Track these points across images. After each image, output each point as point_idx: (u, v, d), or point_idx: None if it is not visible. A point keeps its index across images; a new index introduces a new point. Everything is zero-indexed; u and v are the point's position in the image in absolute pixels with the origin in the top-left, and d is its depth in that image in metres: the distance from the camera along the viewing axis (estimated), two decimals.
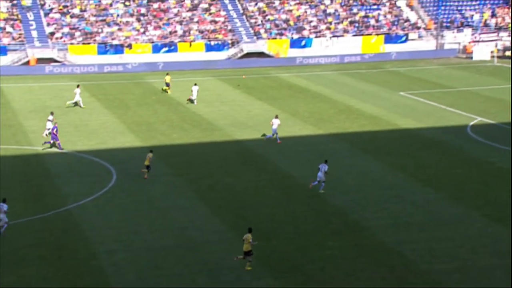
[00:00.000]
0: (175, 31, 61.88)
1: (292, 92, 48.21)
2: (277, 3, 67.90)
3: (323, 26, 65.98)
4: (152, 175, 28.93)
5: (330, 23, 66.55)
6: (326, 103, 44.29)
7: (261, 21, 65.45)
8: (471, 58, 62.83)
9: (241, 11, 66.48)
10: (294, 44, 63.66)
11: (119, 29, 60.59)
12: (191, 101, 43.32)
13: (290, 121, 39.22)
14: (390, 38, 65.47)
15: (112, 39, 59.53)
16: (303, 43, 63.93)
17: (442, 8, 69.67)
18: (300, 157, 31.97)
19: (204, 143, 34.56)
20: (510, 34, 65.66)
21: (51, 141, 32.59)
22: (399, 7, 70.47)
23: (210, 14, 64.73)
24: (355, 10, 68.71)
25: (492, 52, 62.71)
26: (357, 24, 66.69)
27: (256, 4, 67.42)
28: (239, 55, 61.62)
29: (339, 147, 33.88)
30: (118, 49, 58.67)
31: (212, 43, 61.37)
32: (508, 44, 64.96)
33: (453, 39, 65.75)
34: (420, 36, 67.06)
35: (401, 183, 28.17)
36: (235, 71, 55.72)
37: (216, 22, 63.88)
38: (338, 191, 27.33)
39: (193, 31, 62.30)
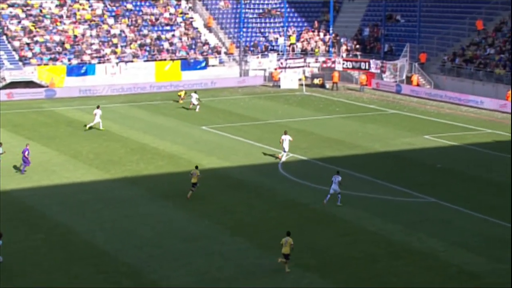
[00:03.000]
0: None
1: (72, 129, 47.20)
2: (47, 21, 66.39)
3: (107, 50, 65.88)
4: None
5: (116, 46, 66.69)
6: (116, 141, 44.00)
7: (28, 43, 63.39)
8: (279, 86, 67.05)
9: (0, 31, 63.84)
10: (73, 71, 62.61)
11: None
12: (194, 108, 54.02)
13: (70, 164, 38.33)
14: (187, 64, 67.43)
15: None
16: (83, 70, 63.13)
17: (244, 30, 73.69)
18: (84, 208, 31.22)
19: None
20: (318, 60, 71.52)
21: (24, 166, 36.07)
22: (196, 28, 73.10)
23: None
24: (145, 31, 69.80)
25: (300, 79, 67.59)
26: (148, 48, 67.70)
27: (20, 22, 65.22)
28: (1, 85, 58.93)
29: (133, 193, 33.75)
30: None
31: None
32: (316, 71, 70.57)
33: (258, 65, 69.71)
34: (221, 62, 70.06)
35: (207, 232, 28.76)
36: None
37: None
38: (132, 246, 27.08)
39: None
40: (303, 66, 70.81)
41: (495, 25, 65.40)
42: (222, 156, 41.08)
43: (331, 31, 74.64)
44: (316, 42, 75.00)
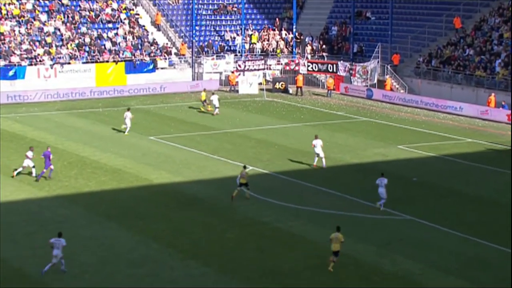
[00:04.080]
0: None
1: None
2: None
3: (40, 50, 65.32)
4: None
5: (50, 46, 66.17)
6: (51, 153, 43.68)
7: None
8: (237, 91, 67.31)
9: None
10: None
11: None
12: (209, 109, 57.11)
13: None
14: (133, 67, 67.25)
15: None
16: (11, 73, 62.44)
17: (197, 28, 73.84)
18: (14, 231, 30.88)
19: None
20: (280, 62, 71.96)
21: (45, 170, 38.00)
22: (143, 26, 73.00)
23: None
24: (83, 29, 69.42)
25: (260, 84, 67.92)
26: (87, 48, 67.33)
27: None
28: None
29: (71, 213, 33.56)
30: None
31: None
32: (278, 74, 70.98)
33: (213, 67, 69.89)
34: (171, 64, 70.05)
35: (156, 256, 28.72)
36: None
37: None
38: (71, 274, 26.88)
39: None
40: (263, 69, 71.20)
41: (475, 23, 66.75)
42: (173, 169, 41.04)
43: (294, 30, 75.27)
44: (277, 42, 75.53)
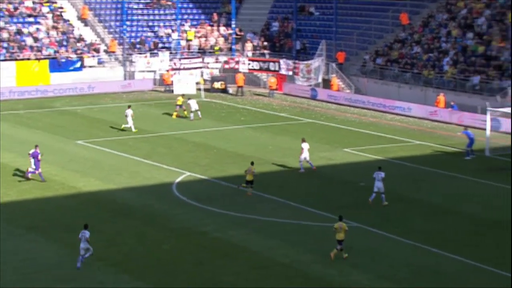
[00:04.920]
0: None
1: None
2: None
3: None
4: None
5: None
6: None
7: None
8: (172, 91, 67.04)
9: None
10: None
11: None
12: (188, 114, 56.02)
13: None
14: (57, 65, 66.42)
15: None
16: None
17: (128, 23, 73.31)
18: None
19: None
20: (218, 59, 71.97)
21: (36, 172, 38.83)
22: (68, 20, 72.17)
23: None
24: (1, 24, 68.40)
25: (197, 83, 67.81)
26: (6, 44, 66.27)
27: None
28: None
29: None
30: None
31: None
32: (216, 73, 70.97)
33: (146, 66, 69.47)
34: (100, 62, 69.40)
35: (85, 271, 28.39)
36: None
37: None
38: None
39: None
40: (201, 67, 71.10)
41: (422, 19, 67.84)
42: (103, 176, 40.69)
43: (233, 25, 75.36)
44: (215, 38, 75.54)
